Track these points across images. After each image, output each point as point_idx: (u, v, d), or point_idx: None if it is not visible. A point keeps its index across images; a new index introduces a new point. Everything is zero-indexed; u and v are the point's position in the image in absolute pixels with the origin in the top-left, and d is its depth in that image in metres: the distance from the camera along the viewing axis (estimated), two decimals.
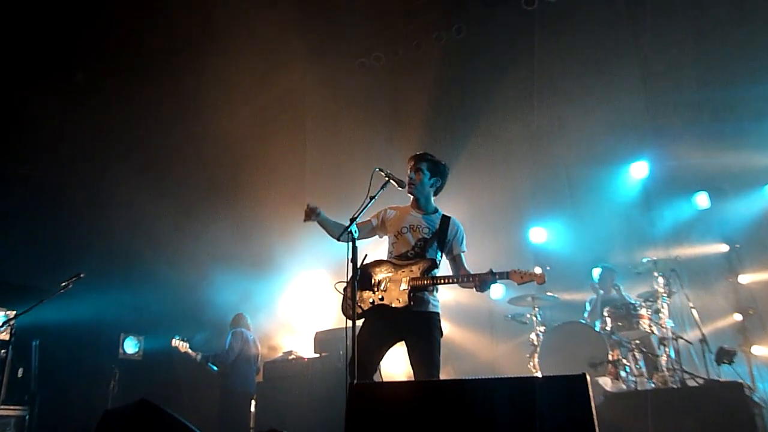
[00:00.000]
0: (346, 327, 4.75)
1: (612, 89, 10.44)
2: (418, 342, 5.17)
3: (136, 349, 10.21)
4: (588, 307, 9.37)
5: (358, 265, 4.91)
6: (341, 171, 11.61)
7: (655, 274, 8.38)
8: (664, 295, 8.22)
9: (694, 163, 9.66)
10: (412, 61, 11.98)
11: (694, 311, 8.37)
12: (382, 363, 5.26)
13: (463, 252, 5.58)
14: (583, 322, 8.89)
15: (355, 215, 5.02)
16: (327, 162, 12.49)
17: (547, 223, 10.97)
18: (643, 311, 8.25)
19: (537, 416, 3.29)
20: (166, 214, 10.49)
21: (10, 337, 7.41)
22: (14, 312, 7.87)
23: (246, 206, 11.58)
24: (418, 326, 5.22)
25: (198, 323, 10.64)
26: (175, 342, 9.41)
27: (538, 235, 10.98)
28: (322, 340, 9.05)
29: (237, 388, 9.39)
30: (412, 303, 5.19)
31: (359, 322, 5.05)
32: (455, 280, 5.33)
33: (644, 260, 8.66)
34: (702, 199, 9.71)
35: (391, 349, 5.30)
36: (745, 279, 9.29)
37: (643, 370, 7.98)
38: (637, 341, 8.11)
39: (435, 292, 5.41)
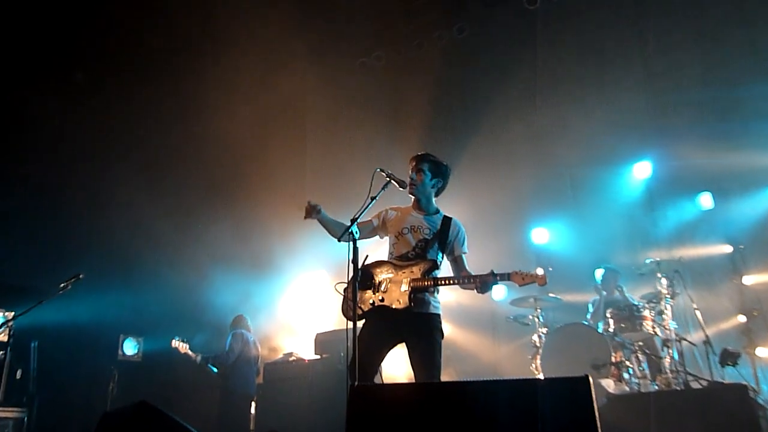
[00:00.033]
0: (347, 328, 4.71)
1: (615, 89, 10.42)
2: (419, 343, 5.14)
3: (136, 351, 10.16)
4: (591, 309, 9.34)
5: (359, 266, 4.87)
6: (342, 171, 11.58)
7: (659, 275, 8.34)
8: (668, 296, 8.18)
9: (698, 163, 9.60)
10: (413, 60, 11.95)
11: (697, 312, 8.34)
12: (383, 365, 5.23)
13: (465, 253, 5.55)
14: (586, 323, 8.85)
15: (356, 216, 4.98)
16: (327, 162, 12.47)
17: (550, 224, 10.94)
18: (646, 313, 8.18)
19: (539, 419, 3.26)
20: (166, 215, 10.45)
21: (9, 338, 7.41)
22: (13, 313, 7.87)
23: (246, 207, 11.55)
24: (418, 327, 5.19)
25: (198, 324, 10.60)
26: (175, 343, 9.39)
27: (541, 235, 10.95)
28: (322, 341, 9.05)
29: (237, 390, 9.36)
30: (412, 304, 5.15)
31: (360, 323, 4.98)
32: (456, 281, 5.30)
33: (647, 261, 8.60)
34: (706, 200, 9.67)
35: (392, 350, 5.27)
36: (749, 280, 9.25)
37: (647, 372, 7.92)
38: (641, 343, 8.06)
39: (436, 294, 5.38)
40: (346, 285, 5.30)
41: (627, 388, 7.65)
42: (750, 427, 6.47)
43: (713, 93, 9.82)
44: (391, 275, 5.33)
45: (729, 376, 7.73)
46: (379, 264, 5.44)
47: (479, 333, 10.54)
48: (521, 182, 11.11)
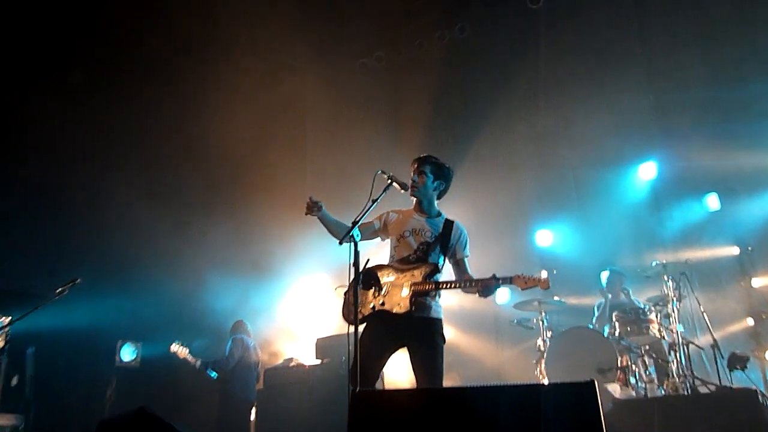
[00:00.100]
0: (348, 333, 4.64)
1: (619, 89, 10.38)
2: (420, 348, 5.09)
3: (134, 356, 10.11)
4: (596, 312, 9.29)
5: (360, 270, 4.82)
6: (342, 173, 11.51)
7: (665, 277, 8.27)
8: (674, 299, 8.11)
9: (704, 163, 9.59)
10: (414, 61, 11.89)
11: (705, 316, 8.23)
12: (385, 370, 5.30)
13: (467, 257, 5.50)
14: (591, 327, 8.81)
15: (357, 219, 4.92)
16: (328, 164, 12.41)
17: (554, 226, 10.89)
18: (652, 316, 8.13)
19: (543, 424, 3.25)
20: (165, 218, 10.42)
21: (5, 344, 7.35)
22: (9, 318, 7.81)
23: (246, 209, 11.49)
24: (419, 332, 5.14)
25: (197, 330, 10.55)
26: (174, 347, 9.36)
27: (545, 238, 10.90)
28: (323, 346, 8.97)
29: (237, 395, 9.32)
30: (413, 308, 5.09)
31: (361, 328, 4.96)
32: (458, 285, 5.26)
33: (653, 263, 8.55)
34: (712, 201, 9.66)
35: (393, 355, 5.22)
36: (757, 282, 9.26)
37: (653, 376, 7.90)
38: (647, 347, 8.03)
39: (437, 298, 5.33)
40: (346, 289, 5.26)
41: (633, 393, 7.57)
42: None
43: (719, 92, 9.79)
44: (392, 279, 5.27)
45: (737, 380, 7.63)
46: (380, 267, 5.38)
47: (482, 337, 10.50)
48: (524, 184, 11.08)
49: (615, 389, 7.58)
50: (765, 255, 9.26)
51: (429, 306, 5.22)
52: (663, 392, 7.49)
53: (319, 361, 8.81)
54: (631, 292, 9.13)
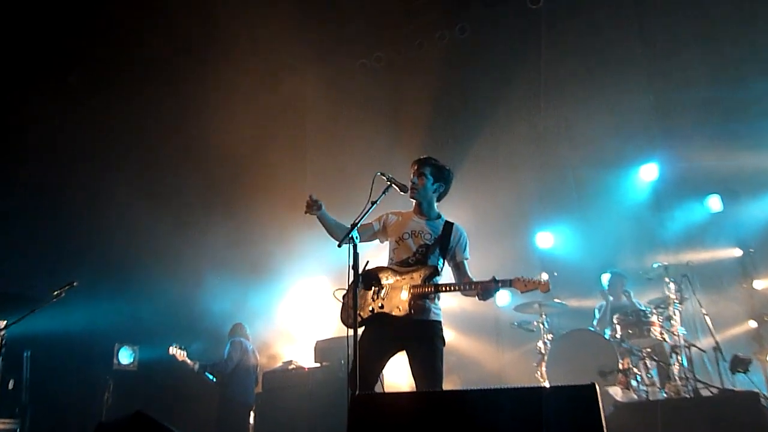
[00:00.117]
0: (347, 336, 4.64)
1: (620, 89, 10.32)
2: (419, 350, 5.06)
3: (131, 360, 10.11)
4: (597, 314, 9.26)
5: (359, 272, 4.80)
6: (342, 173, 11.46)
7: (667, 279, 8.26)
8: (676, 301, 8.10)
9: (706, 164, 9.58)
10: (414, 61, 11.84)
11: (707, 318, 8.23)
12: (384, 373, 5.17)
13: (466, 259, 5.45)
14: (592, 329, 8.79)
15: (357, 221, 4.90)
16: (328, 165, 12.37)
17: (554, 228, 10.85)
18: (654, 318, 8.10)
19: (544, 428, 3.22)
20: (163, 220, 10.39)
21: (1, 348, 7.26)
22: (5, 322, 7.68)
23: (245, 211, 11.49)
24: (419, 335, 5.10)
25: (195, 332, 10.53)
26: (173, 350, 9.33)
27: (545, 240, 10.86)
28: (322, 348, 8.97)
29: (236, 399, 9.30)
30: (412, 311, 5.06)
31: (360, 331, 4.88)
32: (457, 287, 5.23)
33: (655, 265, 8.53)
34: (714, 202, 9.62)
35: (392, 358, 5.19)
36: (760, 284, 9.22)
37: (655, 379, 7.86)
38: (649, 349, 8.00)
39: (437, 300, 5.29)
40: (344, 291, 5.25)
41: (635, 396, 7.55)
42: None
43: (720, 93, 9.77)
44: (390, 281, 5.24)
45: (740, 383, 7.65)
46: (378, 270, 5.35)
47: (483, 340, 10.47)
48: (525, 185, 11.05)
49: (616, 392, 7.57)
50: (767, 257, 9.24)
51: (428, 308, 5.18)
52: (665, 395, 7.46)
53: (318, 364, 8.81)
54: (632, 294, 9.10)
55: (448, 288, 5.18)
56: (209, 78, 10.77)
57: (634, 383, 7.65)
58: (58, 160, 9.99)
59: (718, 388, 7.42)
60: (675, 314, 7.99)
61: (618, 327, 8.17)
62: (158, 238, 10.27)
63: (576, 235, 10.60)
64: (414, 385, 5.06)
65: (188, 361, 9.27)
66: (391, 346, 5.13)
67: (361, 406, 3.79)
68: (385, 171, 5.19)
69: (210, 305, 10.48)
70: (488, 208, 10.40)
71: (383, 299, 5.17)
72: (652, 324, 8.02)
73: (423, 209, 5.51)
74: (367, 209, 4.96)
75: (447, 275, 5.45)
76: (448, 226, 5.45)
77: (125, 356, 10.09)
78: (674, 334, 7.88)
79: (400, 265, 5.30)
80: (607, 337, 8.25)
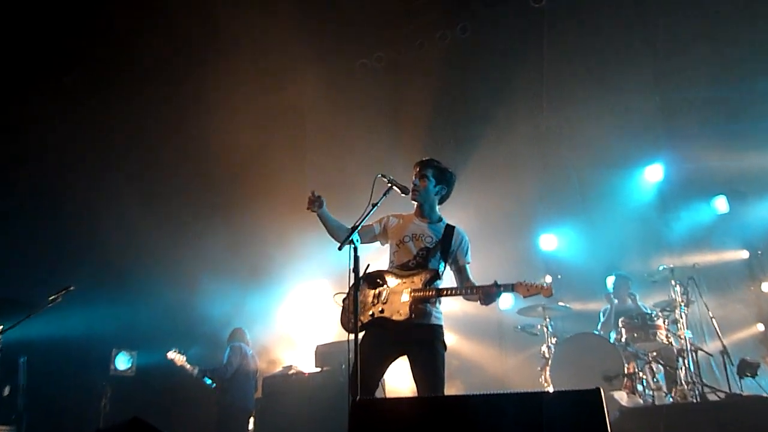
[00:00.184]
0: (348, 340, 4.56)
1: (624, 89, 10.28)
2: (420, 355, 5.01)
3: (129, 365, 10.06)
4: (602, 318, 9.22)
5: (360, 275, 4.72)
6: (342, 175, 11.37)
7: (673, 282, 8.23)
8: (682, 304, 8.06)
9: (712, 165, 9.60)
10: (415, 61, 11.75)
11: (713, 321, 8.20)
12: (386, 378, 5.24)
13: (468, 263, 5.40)
14: (597, 333, 8.76)
15: (357, 223, 4.83)
16: (327, 166, 12.29)
17: (558, 230, 10.84)
18: (659, 321, 8.09)
19: None
20: (161, 223, 10.43)
21: None
22: (0, 327, 7.62)
23: (243, 214, 11.45)
24: (420, 339, 5.04)
25: (193, 337, 10.45)
26: (172, 354, 9.25)
27: (549, 242, 10.85)
28: (323, 353, 8.91)
29: (235, 404, 9.22)
30: (413, 315, 5.00)
31: (360, 335, 4.83)
32: (458, 292, 5.16)
33: (661, 268, 8.51)
34: (721, 203, 9.63)
35: (393, 363, 5.13)
36: (767, 287, 9.04)
37: (661, 383, 7.87)
38: (654, 353, 8.00)
39: (438, 304, 5.24)
40: (344, 296, 5.20)
41: (641, 401, 7.52)
42: None
43: (725, 92, 9.81)
44: (391, 285, 5.20)
45: (747, 387, 7.60)
46: (379, 273, 5.31)
47: (486, 344, 10.43)
48: (528, 187, 11.01)
49: (622, 397, 7.51)
50: None
51: (429, 313, 5.12)
52: (671, 400, 7.46)
53: (318, 369, 8.75)
54: (637, 297, 9.05)
55: (449, 292, 5.11)
56: (209, 78, 10.72)
57: (639, 388, 7.63)
58: (55, 162, 10.07)
59: (725, 392, 7.38)
60: (681, 317, 7.96)
61: (623, 330, 8.15)
62: (156, 241, 10.25)
63: (580, 237, 10.58)
64: (415, 390, 5.00)
65: (187, 365, 9.19)
66: (392, 350, 5.07)
67: (362, 412, 3.72)
68: (386, 172, 5.13)
69: (209, 309, 10.46)
70: (491, 209, 10.34)
71: (384, 303, 5.12)
72: (657, 327, 8.01)
73: (424, 212, 5.46)
74: (367, 211, 4.90)
75: (448, 279, 5.38)
76: (450, 229, 5.39)
77: (123, 361, 10.04)
78: (680, 338, 7.85)
79: (401, 269, 5.24)
80: (612, 340, 8.23)
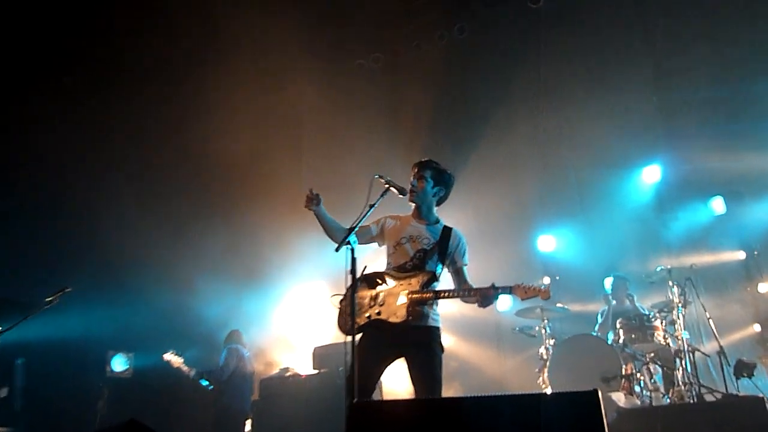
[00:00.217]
0: (345, 342, 4.57)
1: (622, 89, 10.28)
2: (418, 357, 5.00)
3: (126, 367, 10.06)
4: (599, 319, 9.21)
5: (357, 277, 4.71)
6: (340, 176, 11.35)
7: (670, 283, 8.20)
8: (680, 305, 8.04)
9: (710, 166, 9.59)
10: (413, 62, 11.76)
11: (711, 322, 8.17)
12: (383, 380, 5.27)
13: (466, 265, 5.38)
14: (595, 334, 8.74)
15: (354, 225, 4.82)
16: (325, 167, 12.28)
17: (556, 231, 10.84)
18: (657, 322, 8.11)
19: None
20: (159, 224, 10.40)
21: None
22: None
23: (240, 214, 11.45)
24: (417, 341, 5.03)
25: (190, 339, 10.42)
26: (168, 356, 9.25)
27: (547, 243, 10.84)
28: (320, 355, 8.84)
29: (232, 406, 9.21)
30: (410, 318, 4.98)
31: (357, 337, 4.85)
32: (456, 294, 5.15)
33: (658, 269, 8.47)
34: (718, 204, 9.63)
35: (391, 365, 5.11)
36: (764, 287, 9.27)
37: (659, 384, 7.87)
38: (652, 354, 7.99)
39: (435, 306, 5.22)
40: (341, 298, 5.15)
41: (638, 402, 7.50)
42: None
43: (724, 93, 9.81)
44: (388, 287, 5.18)
45: (744, 388, 7.63)
46: (376, 275, 5.28)
47: (484, 345, 10.43)
48: (526, 188, 11.01)
49: (619, 398, 7.51)
50: None
51: (426, 315, 5.10)
52: (668, 401, 7.47)
53: (315, 371, 8.71)
54: (635, 298, 9.06)
55: (446, 294, 5.10)
56: (208, 79, 10.71)
57: (637, 389, 7.60)
58: (55, 162, 10.01)
59: (722, 393, 7.36)
60: (678, 318, 7.95)
61: (621, 331, 8.14)
62: (155, 242, 10.22)
63: (578, 238, 10.58)
64: (412, 392, 4.99)
65: (184, 367, 9.18)
66: (389, 352, 5.05)
67: (359, 414, 3.75)
68: (385, 173, 5.13)
69: (206, 311, 10.43)
70: (489, 210, 10.38)
71: (381, 305, 5.09)
72: (655, 328, 8.03)
73: (422, 213, 5.44)
74: (364, 212, 4.88)
75: (446, 280, 5.36)
76: (447, 230, 5.37)
77: (120, 363, 10.08)
78: (678, 339, 7.84)
79: (398, 271, 5.22)
80: (609, 342, 8.21)
